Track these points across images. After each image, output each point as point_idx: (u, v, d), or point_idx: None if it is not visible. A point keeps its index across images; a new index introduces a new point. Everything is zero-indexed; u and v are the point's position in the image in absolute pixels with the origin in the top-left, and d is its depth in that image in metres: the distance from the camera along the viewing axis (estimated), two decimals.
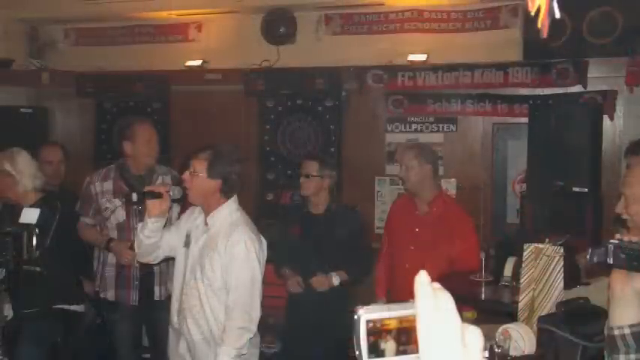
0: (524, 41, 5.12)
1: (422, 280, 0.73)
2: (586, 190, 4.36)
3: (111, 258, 4.11)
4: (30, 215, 3.33)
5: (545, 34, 1.32)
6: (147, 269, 3.99)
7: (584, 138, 4.42)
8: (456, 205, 4.31)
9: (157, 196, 3.08)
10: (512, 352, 2.55)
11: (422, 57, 5.40)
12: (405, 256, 4.06)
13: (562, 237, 3.23)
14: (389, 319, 0.73)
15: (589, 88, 4.92)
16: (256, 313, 3.08)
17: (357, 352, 0.73)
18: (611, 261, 1.71)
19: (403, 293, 3.56)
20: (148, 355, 4.63)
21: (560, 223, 4.25)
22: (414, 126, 5.57)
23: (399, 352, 0.73)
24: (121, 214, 4.07)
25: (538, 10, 1.32)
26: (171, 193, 3.13)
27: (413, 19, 5.50)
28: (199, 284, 3.11)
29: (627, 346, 1.71)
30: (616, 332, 1.72)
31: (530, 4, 1.32)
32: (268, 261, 3.29)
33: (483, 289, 3.68)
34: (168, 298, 3.58)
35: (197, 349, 3.14)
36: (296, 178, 4.47)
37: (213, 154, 3.13)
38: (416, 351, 0.72)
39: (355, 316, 0.73)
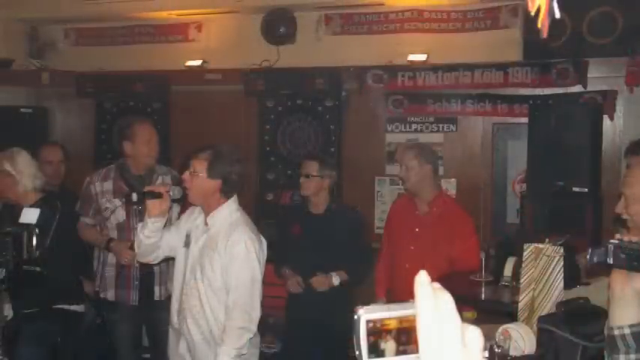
0: (524, 41, 5.12)
1: (422, 280, 0.73)
2: (586, 190, 4.36)
3: (111, 258, 4.11)
4: (30, 215, 3.33)
5: (545, 34, 1.32)
6: (147, 269, 3.99)
7: (584, 138, 4.42)
8: (456, 205, 4.31)
9: (157, 196, 3.08)
10: (512, 352, 2.55)
11: (422, 57, 5.40)
12: (405, 256, 4.06)
13: (562, 237, 3.23)
14: (389, 319, 0.73)
15: (589, 88, 4.92)
16: (256, 313, 3.08)
17: (357, 352, 0.72)
18: (611, 261, 1.71)
19: (403, 293, 3.56)
20: (148, 355, 4.63)
21: (560, 223, 4.26)
22: (414, 126, 5.57)
23: (399, 352, 0.73)
24: (121, 214, 4.07)
25: (538, 10, 1.32)
26: (171, 193, 3.13)
27: (413, 19, 5.50)
28: (199, 284, 3.11)
29: (627, 346, 1.71)
30: (616, 332, 1.72)
31: (530, 4, 1.32)
32: (268, 261, 3.29)
33: (483, 289, 3.68)
34: (168, 298, 3.58)
35: (197, 349, 3.14)
36: (296, 178, 4.47)
37: (213, 154, 3.13)
38: (416, 351, 0.72)
39: (355, 316, 0.72)
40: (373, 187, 5.66)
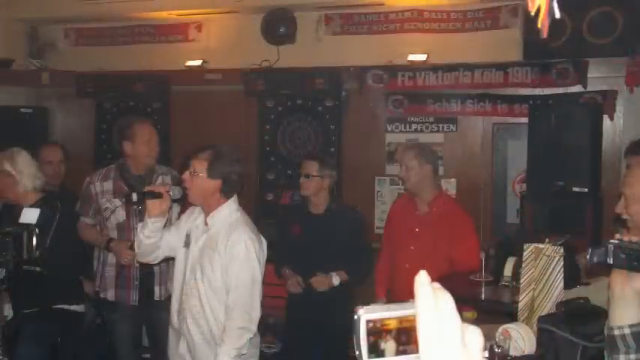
0: (524, 41, 5.12)
1: (422, 280, 0.73)
2: (586, 190, 4.36)
3: (111, 258, 4.10)
4: (30, 215, 3.33)
5: (545, 34, 1.32)
6: (147, 269, 3.99)
7: (584, 138, 4.42)
8: (456, 205, 4.31)
9: (157, 196, 3.08)
10: (512, 352, 2.55)
11: (422, 57, 5.40)
12: (405, 256, 4.06)
13: (562, 237, 3.24)
14: (389, 319, 0.73)
15: (589, 88, 4.92)
16: (256, 313, 3.08)
17: (357, 352, 0.72)
18: (611, 261, 1.71)
19: (403, 293, 3.56)
20: (148, 355, 4.63)
21: (560, 223, 4.26)
22: (414, 126, 5.57)
23: (399, 352, 0.73)
24: (121, 214, 4.07)
25: (538, 10, 1.32)
26: (171, 193, 3.13)
27: (413, 19, 5.50)
28: (199, 284, 3.11)
29: (627, 346, 1.71)
30: (616, 332, 1.72)
31: (530, 4, 1.32)
32: (268, 261, 3.29)
33: (483, 289, 3.68)
34: (168, 298, 3.57)
35: (197, 350, 3.14)
36: (296, 178, 4.47)
37: (213, 154, 3.13)
38: (416, 351, 0.72)
39: (355, 316, 0.72)
40: (373, 187, 5.66)
